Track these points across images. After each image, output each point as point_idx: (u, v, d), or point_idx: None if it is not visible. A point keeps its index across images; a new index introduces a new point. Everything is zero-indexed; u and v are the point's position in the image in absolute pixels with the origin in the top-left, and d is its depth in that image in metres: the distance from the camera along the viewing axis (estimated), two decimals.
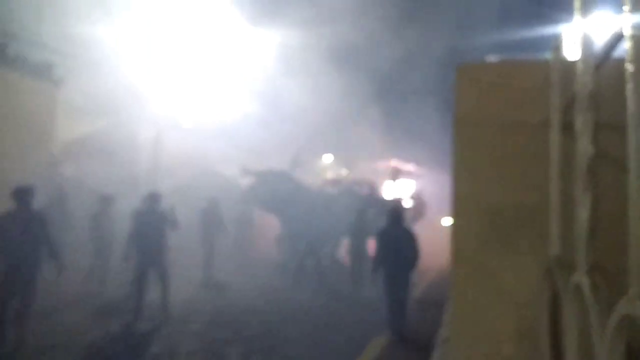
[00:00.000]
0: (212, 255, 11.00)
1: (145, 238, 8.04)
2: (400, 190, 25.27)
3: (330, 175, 21.08)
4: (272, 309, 9.01)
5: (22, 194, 6.10)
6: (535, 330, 2.12)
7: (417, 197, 19.49)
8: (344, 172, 20.20)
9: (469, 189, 2.70)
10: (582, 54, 1.80)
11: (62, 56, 15.39)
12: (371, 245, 11.56)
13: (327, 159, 25.88)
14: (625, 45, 1.34)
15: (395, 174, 20.40)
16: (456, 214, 2.71)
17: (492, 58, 3.40)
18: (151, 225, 8.17)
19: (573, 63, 2.00)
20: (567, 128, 2.17)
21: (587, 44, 1.78)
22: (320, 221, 12.42)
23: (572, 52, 2.46)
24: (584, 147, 1.71)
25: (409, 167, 26.67)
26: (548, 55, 2.58)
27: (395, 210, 8.56)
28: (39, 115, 14.86)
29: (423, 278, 13.03)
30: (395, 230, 7.98)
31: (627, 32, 1.35)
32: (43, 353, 6.07)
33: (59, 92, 15.68)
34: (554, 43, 2.49)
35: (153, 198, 8.50)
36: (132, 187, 15.36)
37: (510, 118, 2.68)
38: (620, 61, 1.38)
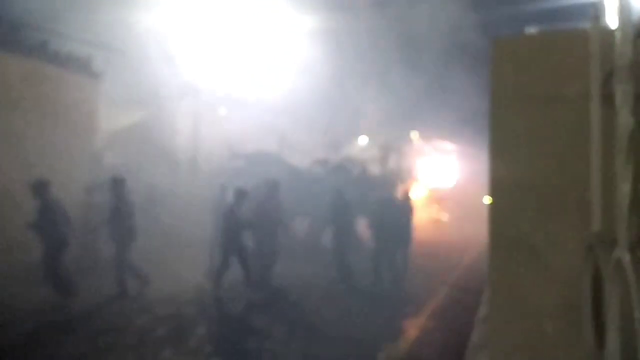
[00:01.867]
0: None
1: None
2: (432, 167, 24.97)
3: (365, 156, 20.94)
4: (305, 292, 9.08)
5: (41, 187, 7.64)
6: (577, 307, 2.10)
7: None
8: (377, 153, 19.89)
9: (507, 165, 2.66)
10: (621, 22, 1.74)
11: (101, 49, 15.73)
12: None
13: (362, 140, 25.80)
14: None
15: (386, 152, 19.71)
16: (494, 191, 2.68)
17: (529, 29, 3.32)
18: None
19: (613, 32, 1.94)
20: (608, 100, 2.11)
21: (625, 12, 1.72)
22: (307, 201, 12.00)
23: (612, 21, 2.37)
24: (625, 119, 1.66)
25: (445, 144, 26.31)
26: (587, 25, 2.50)
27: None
28: (81, 109, 15.26)
29: (461, 261, 12.94)
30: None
31: None
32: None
33: (100, 85, 16.06)
34: (593, 12, 2.40)
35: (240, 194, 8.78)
36: (173, 174, 15.73)
37: (549, 91, 2.61)
38: None
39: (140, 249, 10.28)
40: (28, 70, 13.66)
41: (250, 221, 8.89)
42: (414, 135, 25.20)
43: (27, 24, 14.19)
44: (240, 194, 8.87)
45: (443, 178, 26.10)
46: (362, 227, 11.44)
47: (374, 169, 17.73)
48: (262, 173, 12.70)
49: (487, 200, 2.85)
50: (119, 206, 8.26)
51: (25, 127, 13.03)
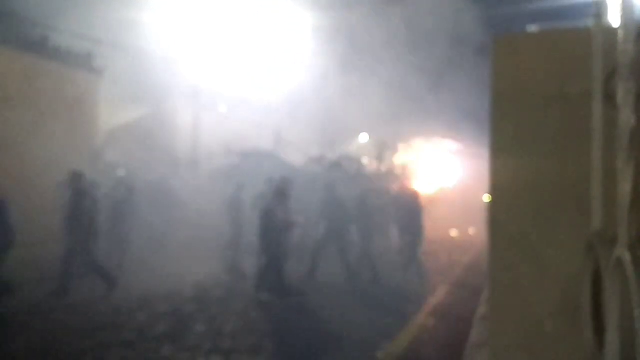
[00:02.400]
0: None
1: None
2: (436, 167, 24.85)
3: (365, 154, 20.88)
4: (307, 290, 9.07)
5: None
6: (577, 306, 2.09)
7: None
8: (378, 151, 19.80)
9: (507, 164, 2.65)
10: (623, 21, 1.73)
11: (102, 46, 15.71)
12: None
13: (363, 138, 25.79)
14: None
15: (382, 150, 19.39)
16: (494, 189, 2.67)
17: (531, 27, 3.31)
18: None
19: (616, 31, 1.93)
20: (610, 99, 2.10)
21: (628, 10, 1.71)
22: (303, 198, 11.82)
23: (615, 19, 2.36)
24: (626, 117, 1.66)
25: (447, 143, 26.29)
26: (589, 23, 2.49)
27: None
28: (82, 105, 15.27)
29: (462, 260, 12.94)
30: None
31: None
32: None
33: (100, 82, 16.05)
34: (596, 10, 2.39)
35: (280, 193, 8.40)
36: (173, 171, 15.74)
37: (550, 90, 2.60)
38: None
39: (141, 247, 10.31)
40: (28, 66, 13.66)
41: (291, 221, 8.64)
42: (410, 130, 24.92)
43: (27, 19, 14.18)
44: (280, 193, 8.51)
45: (443, 177, 26.06)
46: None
47: (371, 167, 17.71)
48: (258, 170, 12.66)
49: (487, 198, 2.84)
50: (78, 201, 8.04)
51: (25, 123, 13.03)
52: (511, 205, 2.59)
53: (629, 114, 1.65)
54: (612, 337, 1.64)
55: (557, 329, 2.27)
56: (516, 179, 2.61)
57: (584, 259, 2.06)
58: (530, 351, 2.35)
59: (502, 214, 2.61)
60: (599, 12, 2.31)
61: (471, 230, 20.84)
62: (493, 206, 2.66)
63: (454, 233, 20.32)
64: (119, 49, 16.06)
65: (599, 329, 1.86)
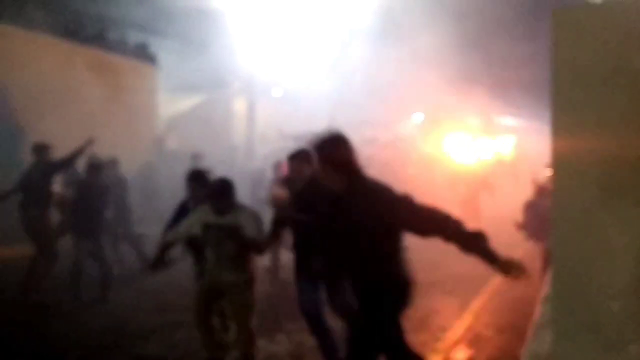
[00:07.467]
0: None
1: None
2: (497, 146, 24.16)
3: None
4: None
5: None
6: None
7: None
8: (433, 130, 19.39)
9: (570, 140, 2.59)
10: None
11: (158, 35, 16.16)
12: None
13: (418, 117, 25.39)
14: None
15: (434, 128, 18.76)
16: (557, 167, 2.62)
17: None
18: None
19: None
20: None
21: None
22: None
23: None
24: None
25: (505, 119, 25.55)
26: None
27: None
28: (141, 94, 15.80)
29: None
30: None
31: None
32: None
33: (158, 71, 16.54)
34: None
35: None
36: (230, 156, 16.10)
37: (613, 63, 2.50)
38: None
39: None
40: (88, 59, 14.23)
41: None
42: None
43: (84, 13, 14.75)
44: None
45: (499, 154, 25.36)
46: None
47: (425, 147, 17.46)
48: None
49: (548, 172, 2.78)
50: None
51: (88, 114, 13.62)
52: (575, 182, 2.53)
53: None
54: None
55: (625, 309, 2.22)
56: (579, 155, 2.54)
57: None
58: (597, 332, 2.31)
59: (565, 191, 2.55)
60: None
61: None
62: (556, 184, 2.61)
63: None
64: (175, 38, 16.48)
65: None
